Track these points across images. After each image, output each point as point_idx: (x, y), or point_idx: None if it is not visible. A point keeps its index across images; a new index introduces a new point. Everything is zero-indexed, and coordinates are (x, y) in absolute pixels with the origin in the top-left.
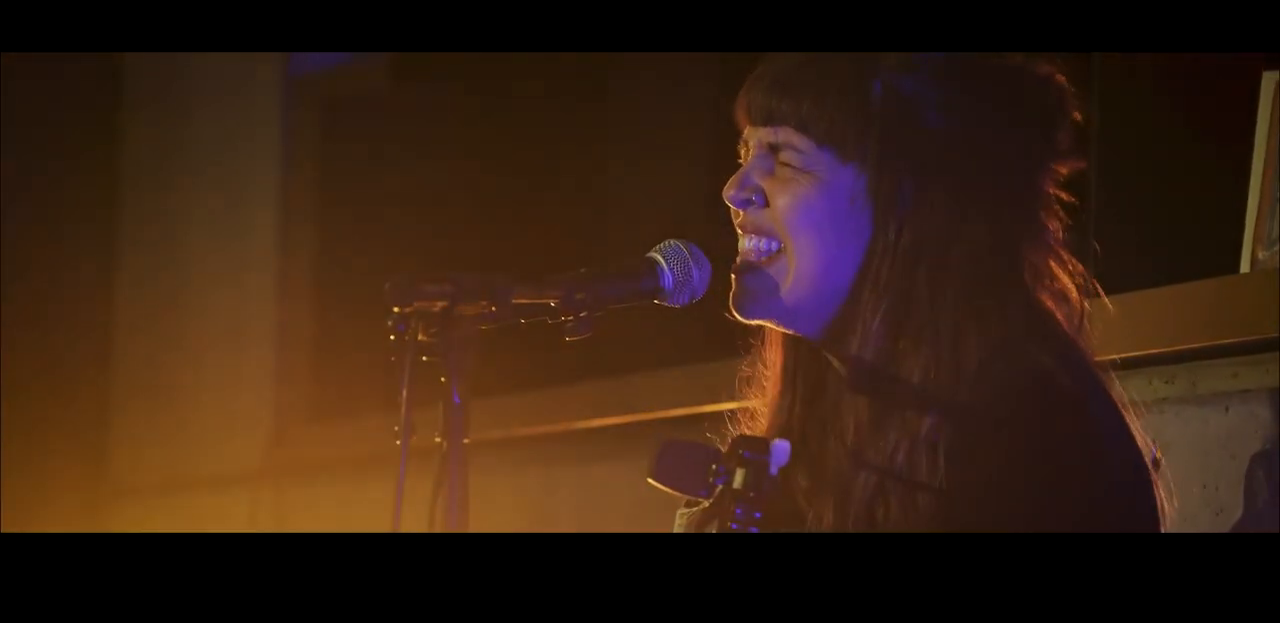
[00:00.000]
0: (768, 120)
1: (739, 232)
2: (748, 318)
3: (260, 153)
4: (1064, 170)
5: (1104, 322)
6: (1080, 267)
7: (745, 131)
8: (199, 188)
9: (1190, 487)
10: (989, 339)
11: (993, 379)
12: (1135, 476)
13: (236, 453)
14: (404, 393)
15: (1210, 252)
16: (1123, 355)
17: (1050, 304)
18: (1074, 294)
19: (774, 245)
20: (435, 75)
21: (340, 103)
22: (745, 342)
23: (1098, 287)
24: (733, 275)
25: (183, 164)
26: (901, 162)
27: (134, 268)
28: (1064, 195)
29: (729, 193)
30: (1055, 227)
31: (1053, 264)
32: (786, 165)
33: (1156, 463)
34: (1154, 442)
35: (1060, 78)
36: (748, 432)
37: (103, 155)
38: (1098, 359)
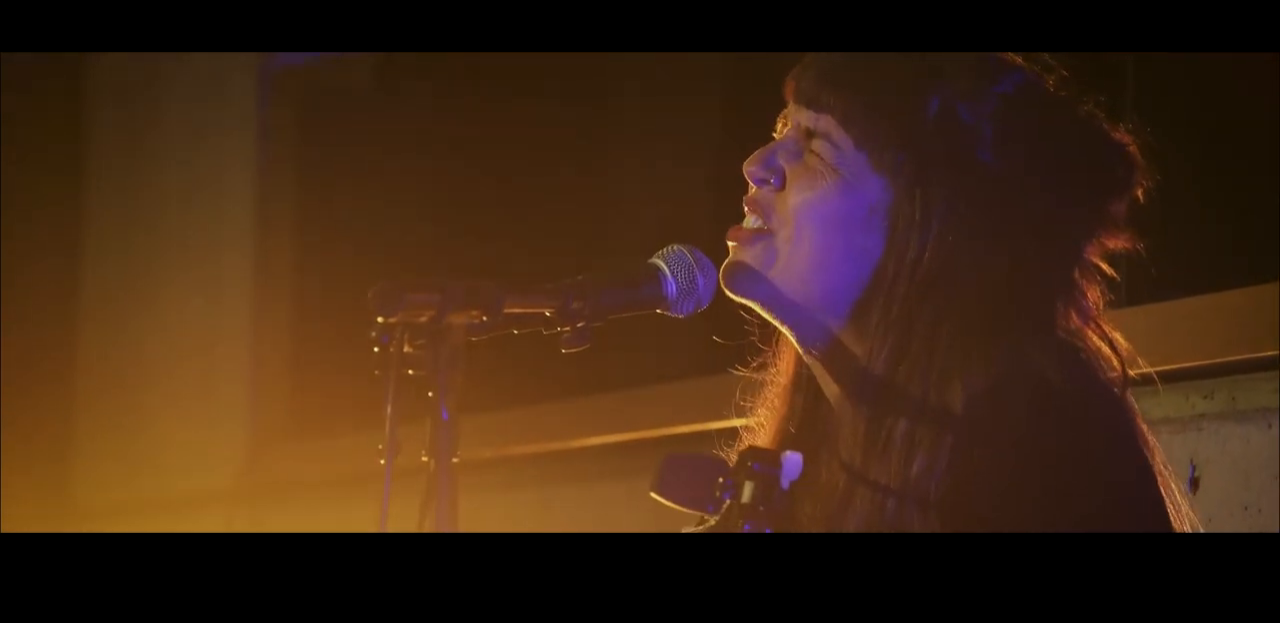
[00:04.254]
0: (813, 104)
1: (745, 207)
2: (736, 293)
3: (234, 154)
4: (1110, 243)
5: (1137, 333)
6: (1123, 341)
7: (790, 107)
8: (168, 192)
9: (1231, 509)
10: (974, 375)
11: (985, 391)
12: (1139, 485)
13: (209, 473)
14: (389, 409)
15: (1250, 259)
16: (1158, 369)
17: (1086, 358)
18: (1115, 366)
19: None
20: (422, 70)
21: (320, 99)
22: (755, 352)
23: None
24: (728, 242)
25: (151, 166)
26: (937, 187)
27: (99, 277)
28: (1105, 268)
29: (749, 168)
30: (1095, 296)
31: (1091, 336)
32: (816, 155)
33: (1194, 483)
34: (1191, 460)
35: (1134, 149)
36: (749, 440)
37: (66, 157)
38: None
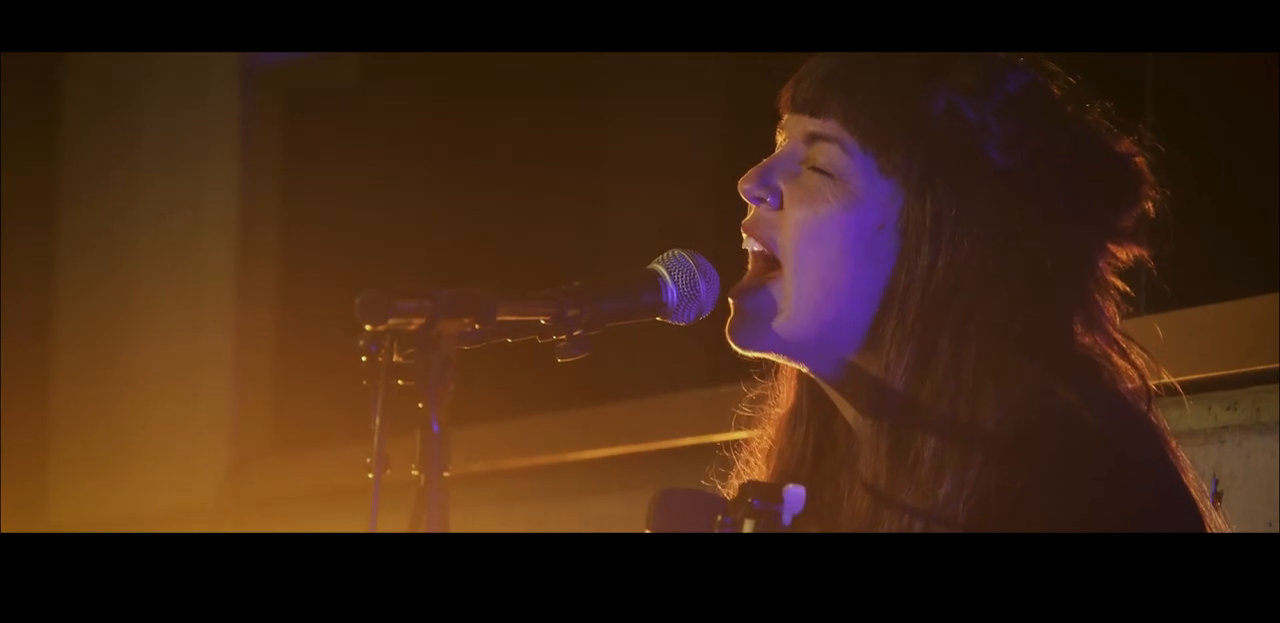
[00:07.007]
0: (815, 111)
1: (743, 232)
2: (744, 349)
3: (216, 156)
4: (1122, 255)
5: (1157, 342)
6: (1145, 355)
7: (784, 119)
8: (148, 197)
9: (1255, 524)
10: (1007, 398)
11: (1014, 426)
12: (1181, 521)
13: (190, 487)
14: (377, 421)
15: (1275, 263)
16: (1180, 379)
17: (1108, 378)
18: (1136, 379)
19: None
20: (410, 70)
21: (305, 99)
22: (756, 369)
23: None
24: (730, 299)
25: (130, 171)
26: (948, 191)
27: (78, 286)
28: (1120, 284)
29: (744, 185)
30: (1112, 312)
31: (1112, 353)
32: (817, 171)
33: (1218, 498)
34: (1214, 474)
35: (1140, 160)
36: (746, 472)
37: (39, 162)
38: (1152, 391)
